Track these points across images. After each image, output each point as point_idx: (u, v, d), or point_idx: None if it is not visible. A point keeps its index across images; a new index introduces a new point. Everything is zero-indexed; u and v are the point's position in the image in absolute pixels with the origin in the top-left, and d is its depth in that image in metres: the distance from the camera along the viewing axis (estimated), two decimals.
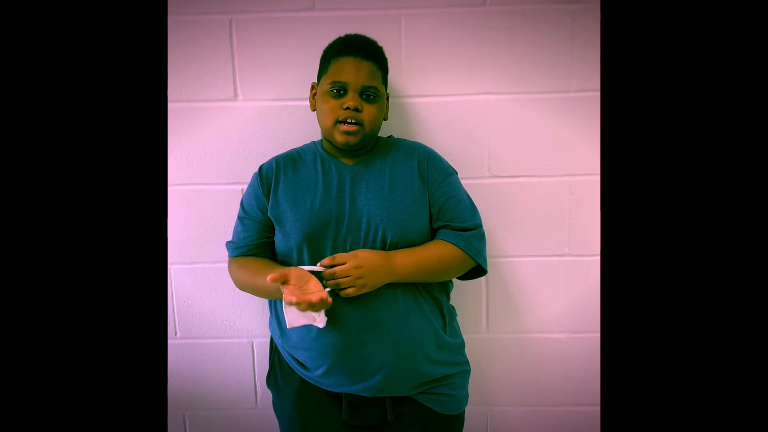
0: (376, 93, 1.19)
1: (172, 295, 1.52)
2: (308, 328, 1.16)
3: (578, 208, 1.46)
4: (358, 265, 1.11)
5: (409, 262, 1.15)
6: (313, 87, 1.27)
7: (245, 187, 1.43)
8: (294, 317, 1.10)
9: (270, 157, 1.28)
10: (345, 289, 1.11)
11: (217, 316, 1.53)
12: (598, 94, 1.38)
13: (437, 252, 1.19)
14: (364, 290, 1.11)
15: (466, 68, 1.40)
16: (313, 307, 1.03)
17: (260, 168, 1.27)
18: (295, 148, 1.31)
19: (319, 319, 1.11)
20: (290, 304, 1.03)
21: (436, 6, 1.37)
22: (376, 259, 1.13)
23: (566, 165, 1.44)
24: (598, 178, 1.43)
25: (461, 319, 1.36)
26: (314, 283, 1.08)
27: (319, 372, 1.18)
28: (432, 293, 1.22)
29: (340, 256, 1.13)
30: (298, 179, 1.22)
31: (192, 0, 1.38)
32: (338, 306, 1.13)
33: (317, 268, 1.13)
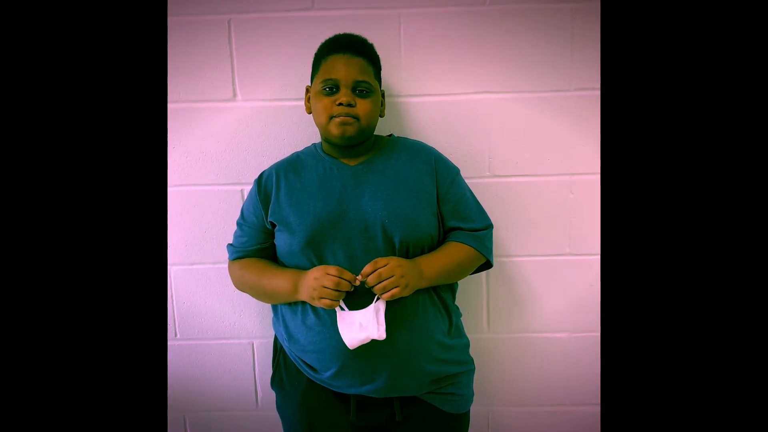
0: (368, 88, 1.18)
1: (172, 297, 1.52)
2: (316, 329, 1.16)
3: (579, 208, 1.45)
4: (400, 264, 1.10)
5: (434, 268, 1.16)
6: (307, 90, 1.27)
7: (245, 187, 1.44)
8: (351, 335, 1.09)
9: (269, 157, 1.27)
10: (389, 290, 1.08)
11: (218, 317, 1.53)
12: (598, 92, 1.38)
13: (457, 256, 1.20)
14: (406, 292, 1.09)
15: (466, 67, 1.39)
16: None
17: (260, 175, 1.26)
18: (296, 152, 1.30)
19: (379, 331, 1.08)
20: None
21: (435, 5, 1.37)
22: (409, 263, 1.12)
23: (567, 164, 1.43)
24: (598, 178, 1.43)
25: (462, 319, 1.36)
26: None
27: (329, 374, 1.17)
28: (439, 293, 1.22)
29: (380, 260, 1.10)
30: (302, 183, 1.21)
31: (191, 0, 1.38)
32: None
33: (358, 280, 1.09)
